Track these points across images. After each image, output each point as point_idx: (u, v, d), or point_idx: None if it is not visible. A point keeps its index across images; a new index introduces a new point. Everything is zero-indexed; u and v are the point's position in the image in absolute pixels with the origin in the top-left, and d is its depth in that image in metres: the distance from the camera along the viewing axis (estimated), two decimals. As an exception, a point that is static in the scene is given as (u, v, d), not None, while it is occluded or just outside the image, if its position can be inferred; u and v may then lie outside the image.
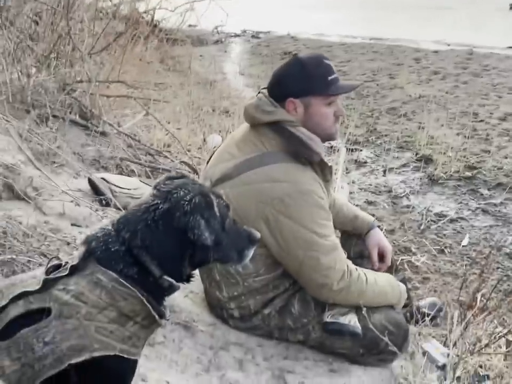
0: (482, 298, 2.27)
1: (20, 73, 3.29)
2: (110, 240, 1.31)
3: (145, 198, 1.38)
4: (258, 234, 1.51)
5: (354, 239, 2.55)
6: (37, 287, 1.26)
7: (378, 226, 2.56)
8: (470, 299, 2.31)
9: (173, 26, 10.24)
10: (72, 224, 2.49)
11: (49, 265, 1.32)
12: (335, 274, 2.01)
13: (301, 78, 2.00)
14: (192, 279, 1.43)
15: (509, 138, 5.89)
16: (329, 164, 2.10)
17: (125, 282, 1.27)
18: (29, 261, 1.90)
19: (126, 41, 5.09)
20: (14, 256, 1.89)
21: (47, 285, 1.26)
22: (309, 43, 11.06)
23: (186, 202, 1.32)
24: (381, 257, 2.46)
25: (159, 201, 1.34)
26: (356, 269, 2.10)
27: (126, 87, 4.85)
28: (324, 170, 2.10)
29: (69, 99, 3.84)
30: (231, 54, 10.78)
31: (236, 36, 12.48)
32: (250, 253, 1.49)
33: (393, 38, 11.33)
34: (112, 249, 1.30)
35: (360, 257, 2.50)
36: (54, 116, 3.77)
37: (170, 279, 1.34)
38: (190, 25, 11.56)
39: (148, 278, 1.31)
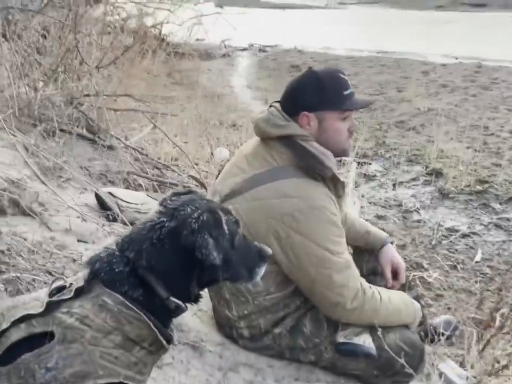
0: (500, 318, 2.19)
1: (27, 87, 3.27)
2: (114, 260, 1.25)
3: (150, 216, 1.33)
4: (269, 251, 1.45)
5: (366, 255, 2.48)
6: (40, 310, 1.21)
7: (391, 242, 2.50)
8: (487, 318, 2.23)
9: (180, 40, 10.29)
10: (78, 240, 2.44)
11: (52, 287, 1.27)
12: (349, 293, 1.95)
13: (316, 91, 1.96)
14: (200, 299, 1.37)
15: (520, 152, 5.82)
16: (342, 180, 2.04)
17: (131, 305, 1.21)
18: (33, 279, 1.85)
19: (134, 55, 5.08)
20: (19, 274, 1.84)
21: (51, 307, 1.21)
22: (316, 56, 11.06)
23: (194, 220, 1.27)
24: (394, 274, 2.39)
25: (165, 219, 1.28)
26: (370, 287, 2.04)
27: (133, 100, 4.83)
28: (336, 186, 2.04)
29: (76, 113, 3.82)
30: (238, 68, 10.79)
31: (243, 49, 12.51)
32: (262, 270, 1.43)
33: (400, 51, 11.32)
34: (116, 270, 1.24)
35: (373, 274, 2.43)
36: (61, 130, 3.74)
37: (177, 300, 1.28)
38: (197, 39, 11.61)
39: (154, 299, 1.26)
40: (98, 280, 1.23)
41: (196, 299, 1.34)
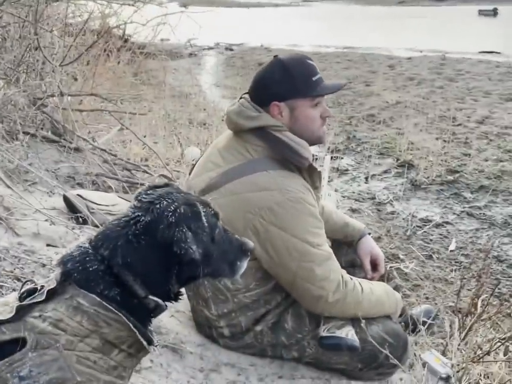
0: (481, 304, 2.18)
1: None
2: (87, 259, 1.18)
3: (125, 211, 1.26)
4: (251, 244, 1.39)
5: (345, 247, 2.45)
6: (9, 315, 1.12)
7: (369, 233, 2.47)
8: (468, 305, 2.22)
9: (145, 40, 10.14)
10: (47, 245, 2.35)
11: (22, 290, 1.18)
12: (330, 285, 1.91)
13: (284, 80, 1.91)
14: (180, 297, 1.30)
15: (488, 141, 5.91)
16: (318, 169, 2.00)
17: (108, 306, 1.13)
18: (1, 286, 1.75)
19: (98, 54, 4.95)
20: (-16, 281, 1.74)
21: (21, 312, 1.13)
22: (283, 53, 11.03)
23: (171, 213, 1.20)
24: (374, 265, 2.37)
25: (140, 214, 1.21)
26: (351, 279, 2.01)
27: (99, 101, 4.70)
28: (312, 177, 2.00)
29: (40, 114, 3.69)
30: (205, 67, 10.71)
31: (209, 48, 12.43)
32: (244, 264, 1.37)
33: (365, 46, 11.40)
34: (90, 269, 1.16)
35: (351, 266, 2.40)
36: (25, 132, 3.61)
37: (156, 298, 1.21)
38: (162, 39, 11.47)
39: (131, 299, 1.18)
40: (72, 280, 1.15)
41: (175, 297, 1.27)
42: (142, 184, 3.94)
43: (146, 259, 1.19)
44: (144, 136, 5.28)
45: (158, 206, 1.21)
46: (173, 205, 1.21)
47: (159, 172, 4.43)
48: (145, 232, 1.19)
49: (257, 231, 1.85)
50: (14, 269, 1.95)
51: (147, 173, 4.23)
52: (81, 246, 1.21)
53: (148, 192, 1.28)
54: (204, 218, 1.25)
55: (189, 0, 15.48)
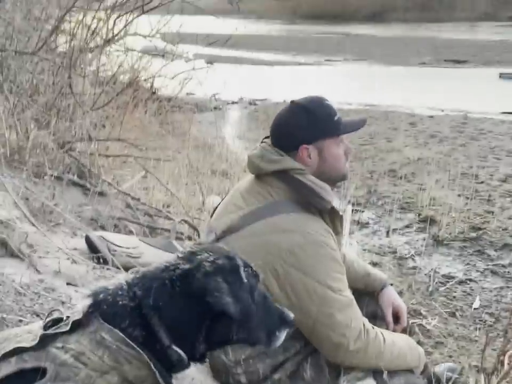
0: (508, 361, 2.10)
1: (19, 130, 3.23)
2: (119, 293, 1.17)
3: (169, 259, 1.27)
4: (292, 315, 1.36)
5: (366, 298, 2.40)
6: (33, 343, 1.11)
7: (391, 284, 2.43)
8: (494, 362, 2.14)
9: (172, 93, 10.45)
10: (67, 283, 2.35)
11: (48, 319, 1.18)
12: (351, 333, 1.86)
13: (310, 123, 1.95)
14: (205, 359, 1.26)
15: (511, 199, 5.84)
16: (341, 213, 2.00)
17: (131, 343, 1.12)
18: (20, 320, 1.74)
19: (127, 102, 5.11)
20: (5, 315, 1.74)
21: (45, 341, 1.12)
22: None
23: (209, 263, 1.20)
24: (396, 317, 2.31)
25: (181, 262, 1.22)
26: (373, 328, 1.96)
27: (125, 147, 4.81)
28: (334, 221, 2.00)
29: (67, 158, 3.78)
30: (229, 120, 10.94)
31: (233, 103, 12.72)
32: (283, 336, 1.33)
33: (387, 104, 11.55)
34: (120, 303, 1.15)
35: (373, 317, 2.34)
36: (52, 175, 3.70)
37: (180, 351, 1.17)
38: (188, 93, 11.82)
39: (154, 345, 1.15)
40: (98, 312, 1.14)
41: (200, 357, 1.24)
42: (163, 229, 3.98)
43: (178, 306, 1.16)
44: (167, 183, 5.36)
45: (198, 256, 1.22)
46: (213, 256, 1.21)
47: (180, 218, 4.47)
48: (181, 278, 1.18)
49: (277, 273, 1.84)
50: (34, 305, 1.95)
51: (169, 218, 4.27)
52: (118, 284, 1.21)
53: (194, 245, 1.30)
54: (243, 274, 1.23)
55: (215, 57, 15.99)
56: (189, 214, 4.59)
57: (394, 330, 2.25)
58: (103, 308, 1.15)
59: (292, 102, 2.07)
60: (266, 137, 2.08)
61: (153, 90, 9.37)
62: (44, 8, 3.75)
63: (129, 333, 1.13)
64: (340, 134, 1.98)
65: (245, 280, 1.23)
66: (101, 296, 1.17)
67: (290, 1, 39.27)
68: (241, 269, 1.22)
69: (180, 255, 1.26)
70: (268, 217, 1.89)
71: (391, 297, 2.34)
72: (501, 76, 14.82)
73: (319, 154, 1.97)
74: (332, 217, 1.96)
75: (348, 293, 1.93)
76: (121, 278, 1.26)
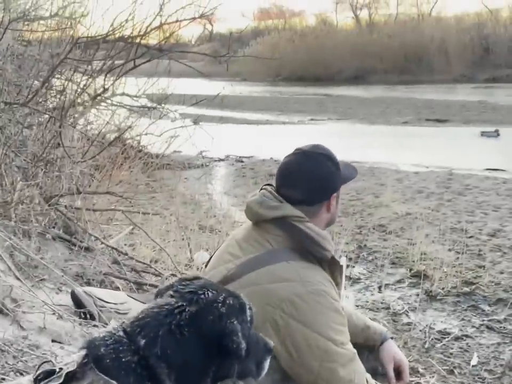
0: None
1: (4, 182, 3.17)
2: (120, 348, 1.08)
3: (164, 299, 1.19)
4: (271, 343, 1.31)
5: (365, 352, 2.30)
6: None
7: (392, 338, 2.34)
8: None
9: (158, 151, 10.50)
10: (52, 340, 2.22)
11: (39, 371, 1.08)
12: (355, 390, 1.76)
13: (336, 172, 1.93)
14: None
15: (502, 253, 5.83)
16: (341, 263, 1.94)
17: None
18: (3, 379, 1.62)
19: (115, 157, 5.09)
20: (-15, 374, 1.62)
21: None
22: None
23: (220, 304, 1.12)
24: (397, 373, 2.22)
25: (184, 303, 1.13)
26: (376, 384, 1.86)
27: (111, 203, 4.75)
28: (334, 271, 1.93)
29: (54, 212, 3.70)
30: (216, 177, 10.96)
31: (220, 160, 12.78)
32: (267, 364, 1.28)
33: (372, 161, 11.70)
34: (123, 360, 1.06)
35: (373, 374, 2.24)
36: (38, 231, 3.60)
37: None
38: (174, 151, 11.90)
39: None
40: (96, 366, 1.05)
41: None
42: (150, 285, 3.86)
43: (188, 353, 1.08)
44: (155, 239, 5.27)
45: (202, 296, 1.14)
46: (221, 296, 1.14)
47: (168, 274, 4.35)
48: (190, 323, 1.10)
49: (277, 325, 1.75)
50: (17, 362, 1.83)
51: (156, 274, 4.16)
52: (114, 333, 1.12)
53: (184, 283, 1.22)
54: (248, 311, 1.18)
55: (201, 117, 16.22)
56: (178, 269, 4.49)
57: (395, 387, 2.15)
58: (105, 363, 1.06)
59: (301, 150, 2.01)
60: (266, 185, 2.04)
61: (140, 148, 9.40)
62: (36, 61, 3.78)
63: None
64: (349, 180, 1.97)
65: (249, 318, 1.17)
66: (102, 349, 1.08)
67: (273, 63, 40.47)
68: (247, 306, 1.17)
69: (174, 294, 1.18)
70: (267, 265, 1.83)
71: (392, 352, 2.25)
72: (482, 134, 15.18)
73: (336, 200, 1.95)
74: (332, 267, 1.90)
75: (350, 346, 1.84)
76: (114, 325, 1.17)
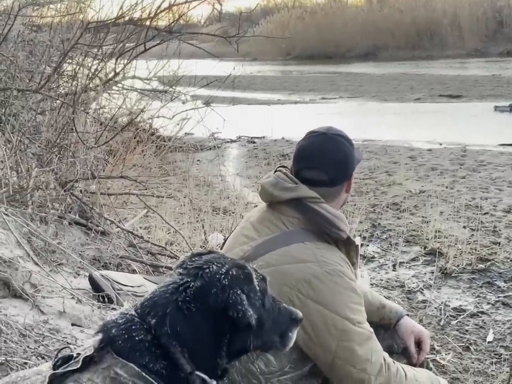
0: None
1: (21, 169, 3.20)
2: (133, 327, 1.10)
3: (171, 278, 1.20)
4: (300, 313, 1.31)
5: (381, 331, 2.32)
6: None
7: (407, 315, 2.36)
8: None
9: (170, 134, 10.50)
10: (72, 324, 2.26)
11: (57, 357, 1.10)
12: (373, 368, 1.78)
13: (353, 152, 1.94)
14: (226, 374, 1.20)
15: (517, 229, 5.78)
16: (356, 243, 1.94)
17: (148, 377, 1.04)
18: (25, 363, 1.66)
19: (128, 141, 5.10)
20: (9, 358, 1.66)
21: (55, 382, 1.04)
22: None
23: (223, 276, 1.14)
24: (417, 345, 2.24)
25: (189, 279, 1.15)
26: (394, 362, 1.87)
27: (126, 186, 4.78)
28: (349, 251, 1.94)
29: (69, 197, 3.73)
30: (228, 158, 10.95)
31: (232, 141, 12.75)
32: (294, 335, 1.29)
33: (385, 139, 11.60)
34: (136, 339, 1.08)
35: (389, 352, 2.25)
36: (54, 215, 3.64)
37: (203, 375, 1.11)
38: (186, 133, 11.89)
39: (178, 373, 1.09)
40: (115, 348, 1.07)
41: (222, 374, 1.17)
42: (166, 267, 3.90)
43: (197, 328, 1.10)
44: (169, 221, 5.30)
45: (207, 270, 1.16)
46: (224, 268, 1.15)
47: (183, 256, 4.40)
48: (196, 298, 1.12)
49: (294, 305, 1.75)
50: (38, 347, 1.86)
51: (172, 256, 4.20)
52: (126, 313, 1.14)
53: (193, 259, 1.23)
54: (255, 281, 1.19)
55: (212, 98, 16.17)
56: (192, 251, 4.52)
57: (417, 361, 2.18)
58: (118, 344, 1.07)
59: (319, 132, 2.01)
60: (280, 166, 2.04)
61: (153, 131, 9.41)
62: (47, 47, 3.78)
63: (151, 369, 1.06)
64: (360, 160, 1.97)
65: (258, 288, 1.17)
66: (114, 331, 1.10)
67: (283, 42, 40.09)
68: (254, 276, 1.17)
69: (182, 271, 1.19)
70: (283, 247, 1.84)
71: (410, 326, 2.26)
72: (496, 108, 14.96)
73: (350, 182, 1.96)
74: (347, 247, 1.90)
75: (367, 325, 1.86)
76: (127, 306, 1.19)
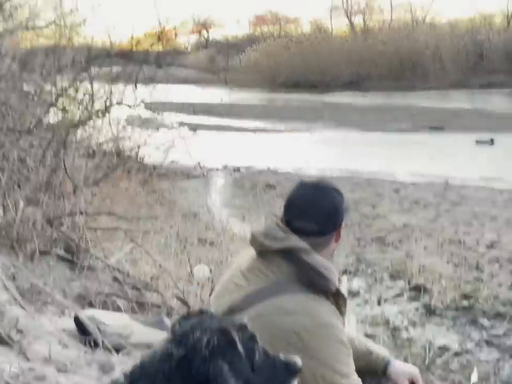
0: None
1: (8, 208, 3.18)
2: None
3: (161, 344, 1.20)
4: (298, 361, 1.31)
5: (368, 379, 2.32)
6: None
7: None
8: None
9: (157, 162, 10.52)
10: (58, 370, 2.23)
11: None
12: (361, 419, 1.78)
13: (343, 204, 1.96)
14: None
15: (500, 265, 5.86)
16: (345, 295, 1.96)
17: None
18: (11, 416, 1.63)
19: (115, 176, 5.10)
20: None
21: None
22: (290, 176, 11.39)
23: (204, 345, 1.14)
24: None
25: (174, 347, 1.15)
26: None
27: (113, 219, 4.76)
28: (338, 301, 1.95)
29: (56, 233, 3.71)
30: (214, 187, 10.97)
31: (218, 170, 12.80)
32: None
33: (369, 171, 11.75)
34: None
35: (377, 399, 2.26)
36: (41, 251, 3.62)
37: None
38: (172, 161, 11.90)
39: None
40: None
41: None
42: (152, 304, 3.88)
43: None
44: (155, 255, 5.28)
45: (190, 338, 1.16)
46: (206, 335, 1.16)
47: (169, 291, 4.36)
48: (178, 368, 1.12)
49: (284, 358, 1.77)
50: (24, 397, 1.84)
51: (158, 292, 4.17)
52: (116, 382, 1.14)
53: (181, 322, 1.24)
54: (239, 346, 1.19)
55: (199, 126, 16.27)
56: (178, 286, 4.50)
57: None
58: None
59: (310, 183, 2.04)
60: (272, 215, 2.06)
61: (139, 160, 9.44)
62: (38, 87, 3.80)
63: None
64: (348, 210, 1.99)
65: (243, 351, 1.17)
66: None
67: (270, 71, 40.62)
68: (238, 343, 1.17)
69: (170, 337, 1.20)
70: (272, 297, 1.84)
71: (401, 370, 2.26)
72: (478, 142, 15.27)
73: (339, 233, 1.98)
74: (336, 298, 1.91)
75: (356, 376, 1.86)
76: (120, 374, 1.18)
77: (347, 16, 53.47)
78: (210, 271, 5.42)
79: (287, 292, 1.85)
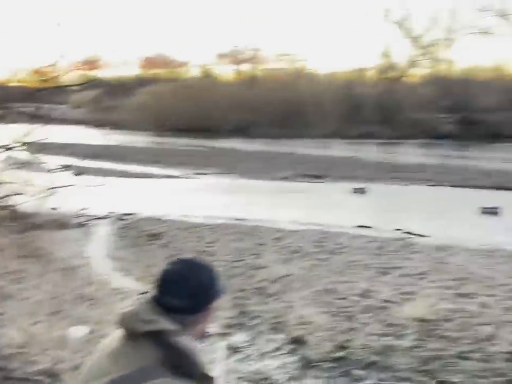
0: None
1: None
2: None
3: None
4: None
5: None
6: None
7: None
8: None
9: (33, 210, 9.98)
10: None
11: None
12: None
13: (216, 282, 1.97)
14: None
15: (371, 314, 6.19)
16: (212, 376, 1.98)
17: None
18: None
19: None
20: None
21: None
22: (177, 224, 11.35)
23: None
24: None
25: None
26: None
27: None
28: (207, 383, 1.97)
29: None
30: (96, 237, 10.57)
31: (101, 218, 12.36)
32: None
33: (254, 218, 12.05)
34: None
35: None
36: None
37: None
38: (52, 209, 11.30)
39: None
40: None
41: None
42: (18, 379, 3.62)
43: None
44: (23, 318, 4.95)
45: None
46: None
47: (38, 359, 4.10)
48: None
49: None
50: None
51: (25, 361, 3.91)
52: None
53: None
54: None
55: (83, 169, 15.74)
56: (49, 351, 4.25)
57: None
58: None
59: (183, 260, 2.05)
60: (143, 293, 2.05)
61: (12, 209, 8.89)
62: None
63: None
64: (223, 294, 2.02)
65: None
66: None
67: (158, 113, 40.53)
68: None
69: None
70: (140, 383, 1.82)
71: None
72: (355, 191, 16.32)
73: (211, 314, 1.99)
74: (204, 381, 1.93)
75: None
76: None
77: (234, 63, 55.32)
78: (89, 331, 5.18)
79: (155, 377, 1.83)
